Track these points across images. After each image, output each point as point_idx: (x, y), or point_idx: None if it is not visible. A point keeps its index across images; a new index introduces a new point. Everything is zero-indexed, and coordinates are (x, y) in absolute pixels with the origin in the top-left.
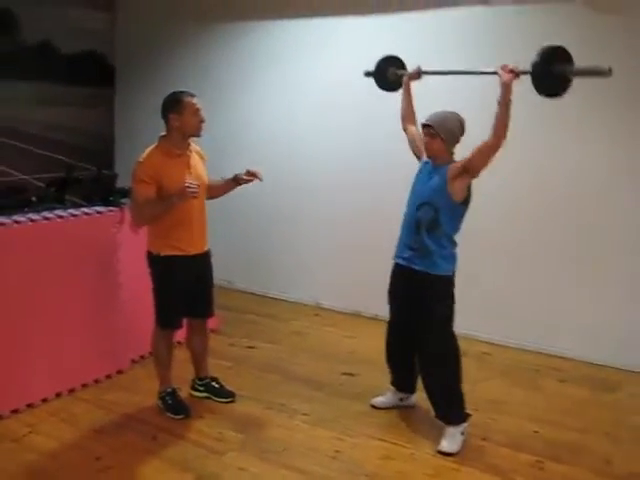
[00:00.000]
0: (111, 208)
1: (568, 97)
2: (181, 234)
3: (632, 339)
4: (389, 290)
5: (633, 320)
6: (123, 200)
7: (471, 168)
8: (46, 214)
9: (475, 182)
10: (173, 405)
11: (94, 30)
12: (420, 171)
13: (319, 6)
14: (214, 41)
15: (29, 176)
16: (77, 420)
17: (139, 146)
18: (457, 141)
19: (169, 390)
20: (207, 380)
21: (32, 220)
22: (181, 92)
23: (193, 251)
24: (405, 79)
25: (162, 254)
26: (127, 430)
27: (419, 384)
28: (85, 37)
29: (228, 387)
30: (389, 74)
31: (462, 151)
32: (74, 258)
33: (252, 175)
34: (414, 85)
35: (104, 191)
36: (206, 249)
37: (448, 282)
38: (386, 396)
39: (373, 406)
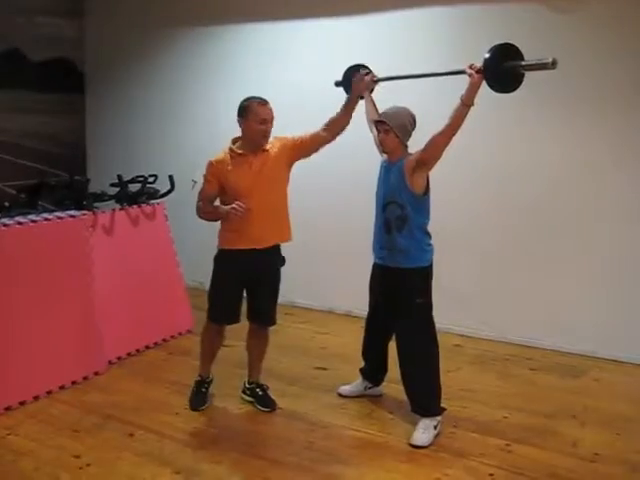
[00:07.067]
0: (84, 212)
1: (530, 92)
2: (234, 227)
3: (599, 327)
4: (369, 285)
5: (600, 309)
6: (95, 204)
7: (426, 161)
8: (20, 219)
9: (448, 179)
10: (191, 393)
11: (63, 37)
12: (380, 172)
13: (290, 8)
14: (184, 46)
15: (1, 183)
16: (55, 421)
17: (110, 151)
18: (409, 135)
19: (198, 379)
20: (254, 385)
21: (5, 225)
22: (253, 98)
23: (245, 246)
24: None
25: (219, 247)
26: (105, 429)
27: (397, 376)
28: (54, 44)
29: (272, 396)
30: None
31: (416, 145)
32: (48, 261)
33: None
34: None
35: (77, 196)
36: (269, 245)
37: (426, 273)
38: (352, 384)
39: (340, 394)
